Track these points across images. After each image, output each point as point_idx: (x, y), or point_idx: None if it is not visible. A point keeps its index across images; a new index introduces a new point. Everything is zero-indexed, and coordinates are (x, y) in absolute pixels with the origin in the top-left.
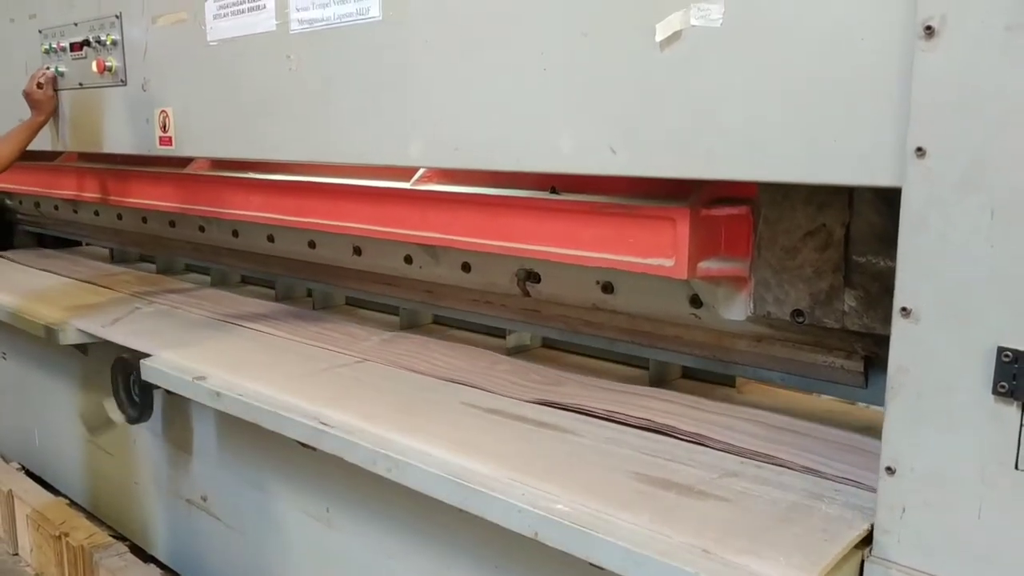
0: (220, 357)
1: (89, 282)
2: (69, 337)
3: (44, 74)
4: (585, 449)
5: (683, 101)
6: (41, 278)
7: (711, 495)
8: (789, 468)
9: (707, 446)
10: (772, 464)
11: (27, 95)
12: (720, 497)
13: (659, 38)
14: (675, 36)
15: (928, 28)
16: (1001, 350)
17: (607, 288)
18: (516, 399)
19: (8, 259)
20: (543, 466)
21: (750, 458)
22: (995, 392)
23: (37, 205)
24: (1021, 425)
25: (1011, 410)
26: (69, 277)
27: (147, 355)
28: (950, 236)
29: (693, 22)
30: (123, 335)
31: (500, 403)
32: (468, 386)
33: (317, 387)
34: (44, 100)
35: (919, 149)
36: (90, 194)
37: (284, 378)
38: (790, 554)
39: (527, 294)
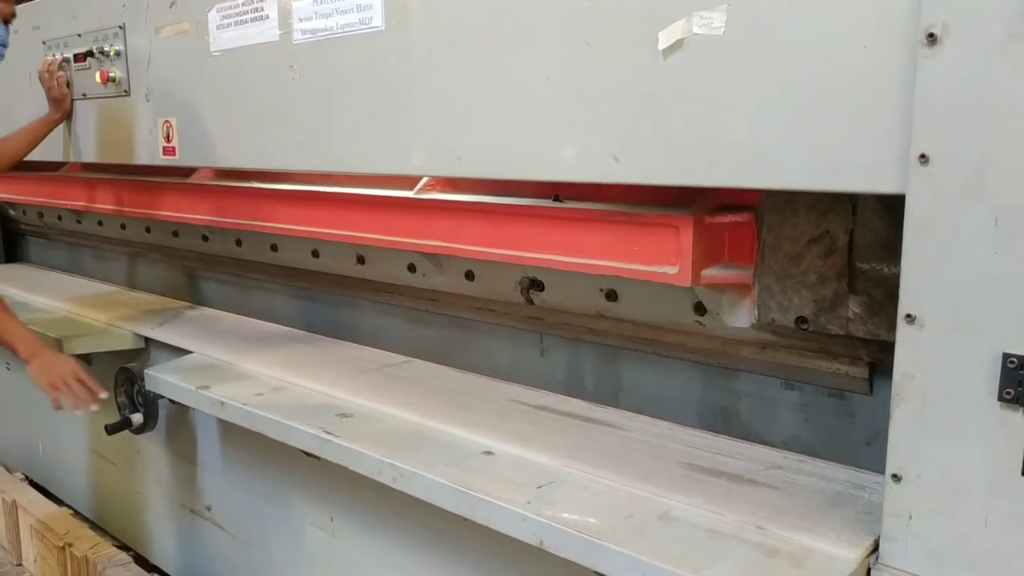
0: (272, 358)
1: (131, 289)
2: (74, 347)
3: (53, 62)
4: (635, 442)
5: (686, 109)
6: (84, 286)
7: (760, 483)
8: (831, 463)
9: (751, 441)
10: (814, 458)
11: (42, 82)
12: (768, 485)
13: (662, 46)
14: (678, 44)
15: (931, 35)
16: (1007, 356)
17: (611, 296)
18: (562, 395)
19: (50, 268)
20: (597, 457)
21: (793, 452)
22: (1001, 399)
23: (40, 215)
24: None
25: (1017, 417)
26: (112, 285)
27: (148, 365)
28: (954, 243)
29: (696, 30)
30: (172, 337)
31: (547, 399)
32: (513, 383)
33: (371, 386)
34: (61, 98)
35: (922, 156)
36: (93, 204)
37: (338, 377)
38: (839, 531)
39: (531, 302)
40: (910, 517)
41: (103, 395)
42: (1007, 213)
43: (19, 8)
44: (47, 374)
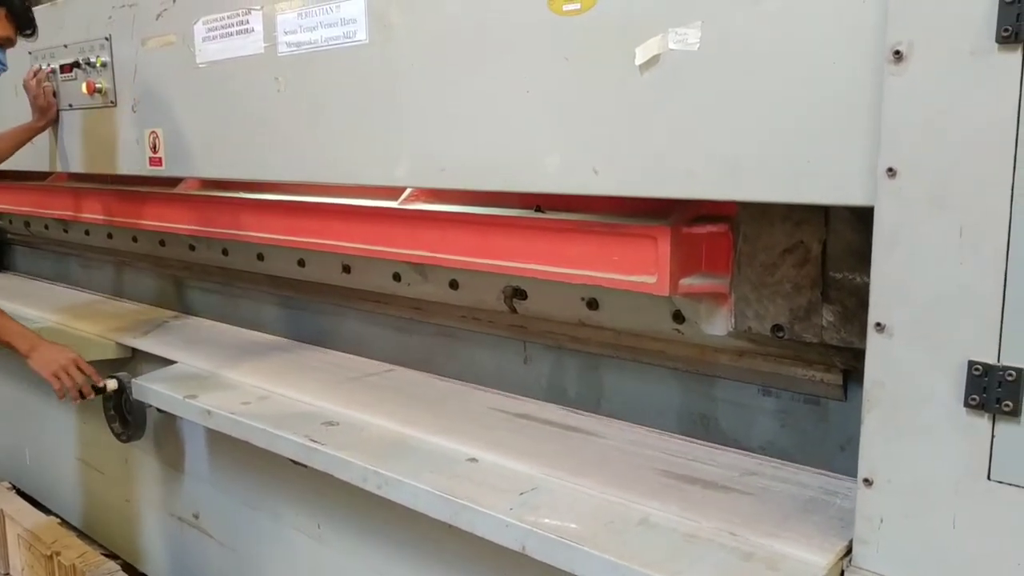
0: (258, 367)
1: (118, 298)
2: None
3: (39, 73)
4: (612, 449)
5: (663, 123)
6: (71, 295)
7: (734, 489)
8: (804, 468)
9: (726, 448)
10: (788, 465)
11: (27, 90)
12: (743, 491)
13: (638, 62)
14: (654, 60)
15: (896, 52)
16: (972, 364)
17: (592, 304)
18: (541, 403)
19: (35, 278)
20: (574, 464)
21: (766, 459)
22: (967, 405)
23: (27, 224)
24: (992, 437)
25: (982, 422)
26: (98, 294)
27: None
28: (921, 253)
29: (671, 46)
30: (159, 346)
31: (527, 407)
32: (494, 392)
33: (351, 394)
34: (47, 107)
35: (890, 169)
36: (80, 214)
37: (323, 386)
38: (811, 537)
39: (514, 311)
40: (881, 521)
41: (102, 383)
42: (971, 225)
43: None
44: (48, 364)
